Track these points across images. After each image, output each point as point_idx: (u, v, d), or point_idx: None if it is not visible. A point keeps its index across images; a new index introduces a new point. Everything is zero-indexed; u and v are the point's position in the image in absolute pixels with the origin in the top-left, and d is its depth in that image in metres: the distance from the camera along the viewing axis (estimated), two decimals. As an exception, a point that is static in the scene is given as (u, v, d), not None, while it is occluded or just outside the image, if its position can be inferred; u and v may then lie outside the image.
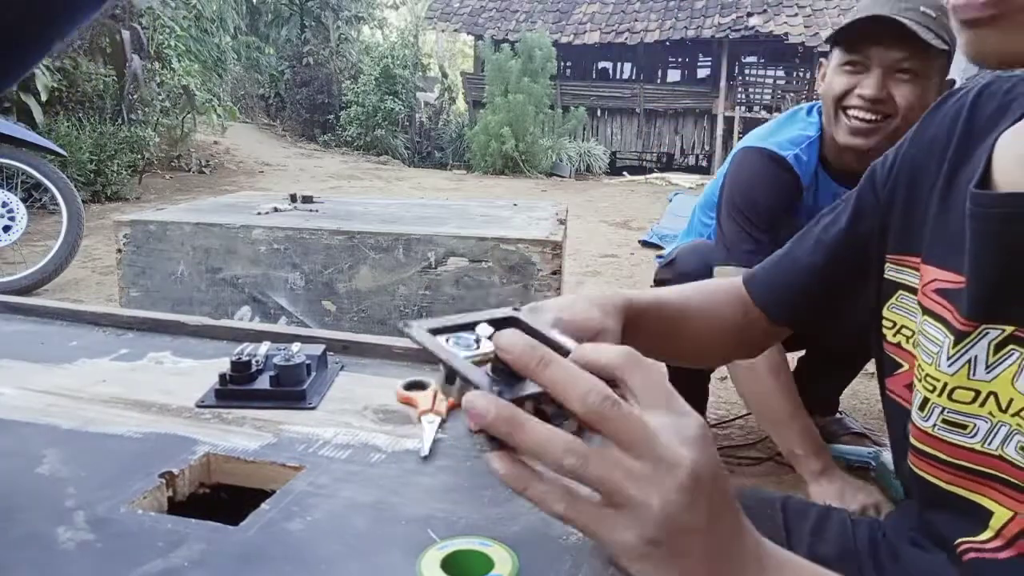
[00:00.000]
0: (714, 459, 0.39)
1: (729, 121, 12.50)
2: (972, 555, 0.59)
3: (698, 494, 0.38)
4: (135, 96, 6.88)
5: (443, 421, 0.68)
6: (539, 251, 1.91)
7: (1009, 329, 0.56)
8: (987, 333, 0.57)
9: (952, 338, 0.59)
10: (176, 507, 0.57)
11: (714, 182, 1.78)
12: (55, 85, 5.77)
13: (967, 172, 0.63)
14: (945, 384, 0.60)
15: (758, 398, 1.54)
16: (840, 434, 1.90)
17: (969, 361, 0.58)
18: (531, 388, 0.41)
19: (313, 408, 0.71)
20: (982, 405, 0.58)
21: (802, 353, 1.95)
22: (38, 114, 5.44)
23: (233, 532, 0.50)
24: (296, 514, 0.52)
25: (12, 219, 3.34)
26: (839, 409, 2.03)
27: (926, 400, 0.62)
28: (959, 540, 0.60)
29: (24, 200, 3.46)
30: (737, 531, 0.41)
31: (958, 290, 0.60)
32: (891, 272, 0.71)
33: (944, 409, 0.61)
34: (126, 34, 6.32)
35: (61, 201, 3.45)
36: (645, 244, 5.20)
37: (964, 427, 0.59)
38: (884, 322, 0.72)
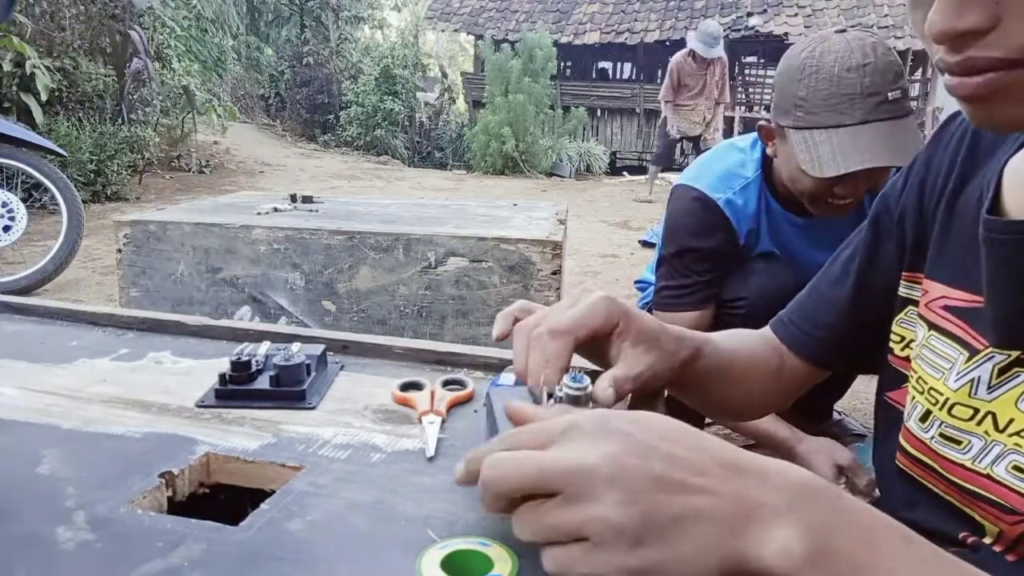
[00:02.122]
0: (603, 426, 0.39)
1: (729, 121, 12.49)
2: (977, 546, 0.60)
3: (621, 470, 0.37)
4: (135, 96, 6.88)
5: (444, 421, 0.68)
6: (539, 251, 1.91)
7: (1015, 353, 0.56)
8: (992, 356, 0.57)
9: (966, 354, 0.60)
10: (176, 507, 0.57)
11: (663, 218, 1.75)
12: (55, 85, 5.77)
13: (970, 192, 0.63)
14: (947, 399, 0.61)
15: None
16: (841, 436, 1.90)
17: (972, 380, 0.59)
18: None
19: (313, 408, 0.71)
20: (979, 424, 0.58)
21: None
22: (38, 114, 5.44)
23: (233, 532, 0.50)
24: (296, 514, 0.52)
25: (12, 219, 3.34)
26: (839, 411, 2.03)
27: (928, 412, 0.63)
28: (962, 534, 0.60)
29: (24, 200, 3.46)
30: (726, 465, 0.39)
31: (972, 310, 0.60)
32: (903, 289, 0.71)
33: (943, 423, 0.61)
34: (133, 35, 6.32)
35: (61, 201, 3.45)
36: (645, 244, 5.20)
37: (959, 443, 0.60)
38: (892, 336, 0.72)
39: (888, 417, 0.72)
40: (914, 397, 0.65)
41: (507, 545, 0.46)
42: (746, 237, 1.54)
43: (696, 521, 0.37)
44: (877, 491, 1.33)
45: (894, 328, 0.71)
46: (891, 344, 0.72)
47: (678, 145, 7.49)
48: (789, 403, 0.86)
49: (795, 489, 0.38)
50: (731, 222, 1.51)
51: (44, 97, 5.48)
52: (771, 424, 1.55)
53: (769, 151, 1.46)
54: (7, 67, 5.35)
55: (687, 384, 0.70)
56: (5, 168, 3.43)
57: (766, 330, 0.83)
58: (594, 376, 0.64)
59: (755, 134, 1.55)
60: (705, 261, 1.52)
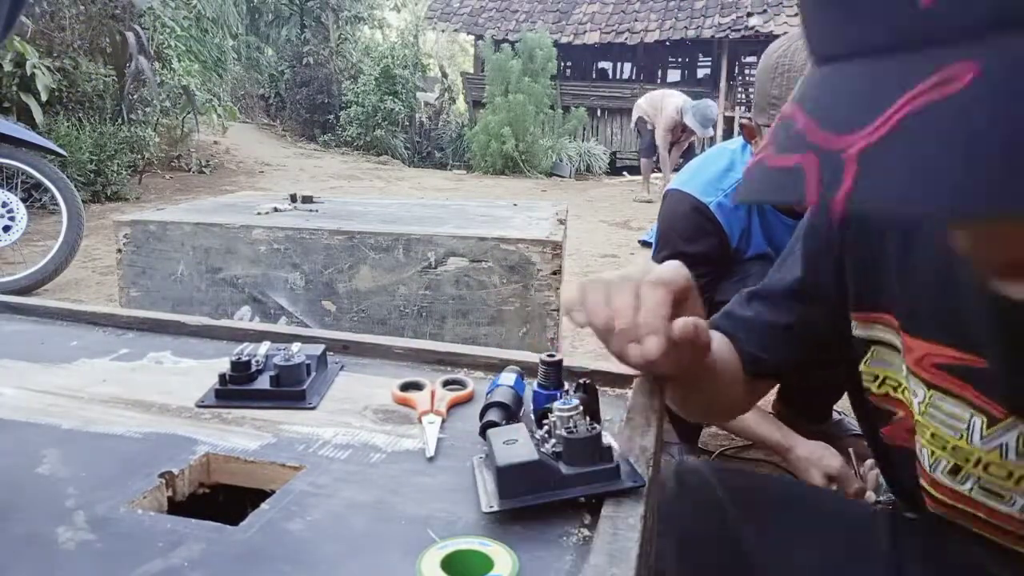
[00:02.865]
0: None
1: (729, 121, 12.49)
2: None
3: None
4: (135, 96, 6.88)
5: (444, 421, 0.68)
6: (539, 251, 1.91)
7: None
8: (1016, 425, 0.57)
9: (985, 419, 0.60)
10: (176, 507, 0.57)
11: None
12: (55, 85, 5.77)
13: (928, 231, 0.61)
14: (980, 458, 0.61)
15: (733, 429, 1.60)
16: (840, 437, 1.90)
17: (1001, 445, 0.59)
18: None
19: (313, 408, 0.71)
20: (1017, 483, 0.59)
21: None
22: (38, 114, 5.44)
23: (233, 532, 0.50)
24: (296, 514, 0.52)
25: (12, 219, 3.34)
26: (839, 410, 2.03)
27: (959, 467, 0.63)
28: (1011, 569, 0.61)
29: (24, 200, 3.46)
30: None
31: (969, 369, 0.60)
32: (858, 330, 0.70)
33: (980, 478, 0.61)
34: (130, 36, 6.32)
35: (61, 201, 3.45)
36: (644, 244, 5.20)
37: (1002, 496, 0.60)
38: (864, 376, 0.71)
39: (894, 460, 0.72)
40: (934, 452, 0.65)
41: (507, 545, 0.46)
42: (738, 239, 1.55)
43: None
44: (872, 495, 1.33)
45: (863, 369, 0.71)
46: (865, 384, 0.71)
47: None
48: (748, 409, 0.89)
49: None
50: (722, 226, 1.51)
51: (44, 97, 5.48)
52: (765, 427, 1.55)
53: (753, 149, 1.47)
54: (7, 67, 5.35)
55: (689, 375, 0.70)
56: (5, 168, 3.43)
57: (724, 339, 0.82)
58: (589, 386, 0.65)
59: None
60: (696, 266, 1.52)
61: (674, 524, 0.71)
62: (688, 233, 1.53)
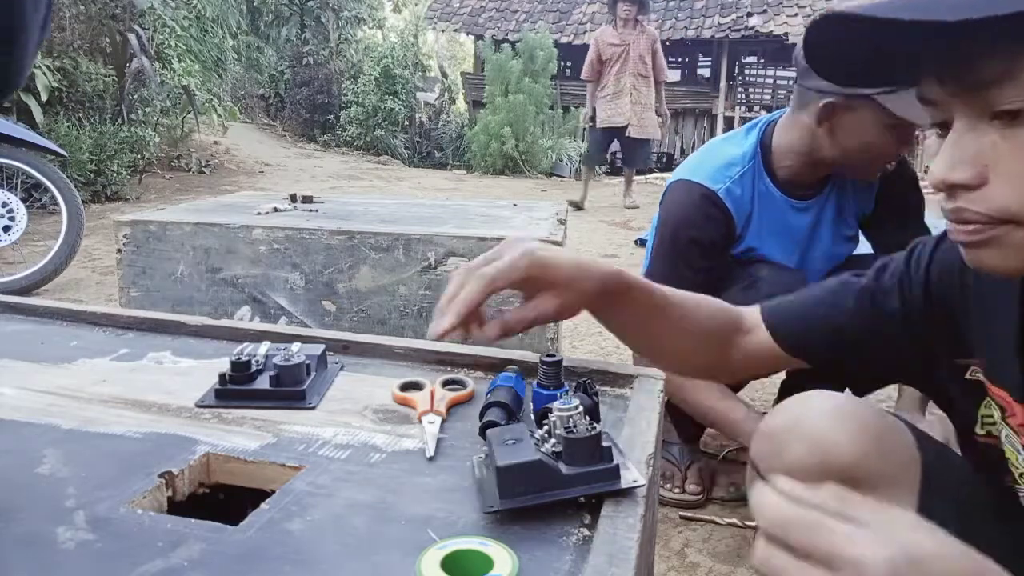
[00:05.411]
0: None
1: (729, 121, 12.49)
2: None
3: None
4: (135, 96, 6.87)
5: (443, 421, 0.68)
6: (539, 251, 1.90)
7: None
8: None
9: None
10: (176, 507, 0.57)
11: (655, 217, 1.74)
12: (55, 85, 5.76)
13: (997, 290, 0.63)
14: None
15: (693, 408, 1.52)
16: None
17: None
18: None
19: (313, 408, 0.71)
20: None
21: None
22: (38, 114, 5.44)
23: (233, 532, 0.50)
24: (296, 514, 0.52)
25: (12, 219, 3.34)
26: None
27: None
28: None
29: (24, 200, 3.46)
30: None
31: None
32: (972, 373, 0.70)
33: None
34: (131, 36, 6.31)
35: (61, 201, 3.45)
36: (642, 243, 5.20)
37: None
38: (985, 418, 0.71)
39: (1005, 504, 0.70)
40: None
41: (507, 545, 0.46)
42: (742, 225, 1.56)
43: None
44: None
45: (983, 412, 0.71)
46: (977, 428, 0.71)
47: (609, 140, 6.62)
48: (738, 379, 0.90)
49: None
50: (731, 213, 1.52)
51: (44, 97, 5.48)
52: (725, 404, 1.48)
53: (822, 129, 1.44)
54: (7, 67, 5.34)
55: (611, 317, 0.79)
56: (5, 168, 3.43)
57: (746, 308, 0.86)
58: (589, 387, 0.65)
59: (746, 125, 1.59)
60: (705, 255, 1.52)
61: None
62: (699, 221, 1.52)
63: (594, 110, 6.33)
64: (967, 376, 0.71)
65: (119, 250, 2.07)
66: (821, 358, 0.82)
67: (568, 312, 0.72)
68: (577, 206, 6.29)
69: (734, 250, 1.57)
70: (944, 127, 0.53)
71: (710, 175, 1.53)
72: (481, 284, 0.69)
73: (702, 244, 1.52)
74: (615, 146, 6.89)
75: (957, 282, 0.69)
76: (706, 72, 14.00)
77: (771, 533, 0.42)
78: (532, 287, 0.71)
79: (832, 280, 0.83)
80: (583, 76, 6.46)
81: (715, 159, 1.56)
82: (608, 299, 0.73)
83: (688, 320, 0.80)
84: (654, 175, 11.49)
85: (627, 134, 6.32)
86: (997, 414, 0.67)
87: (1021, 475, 0.65)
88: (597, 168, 7.67)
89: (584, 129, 7.51)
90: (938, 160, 0.52)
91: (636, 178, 7.69)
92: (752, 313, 0.85)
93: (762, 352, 0.83)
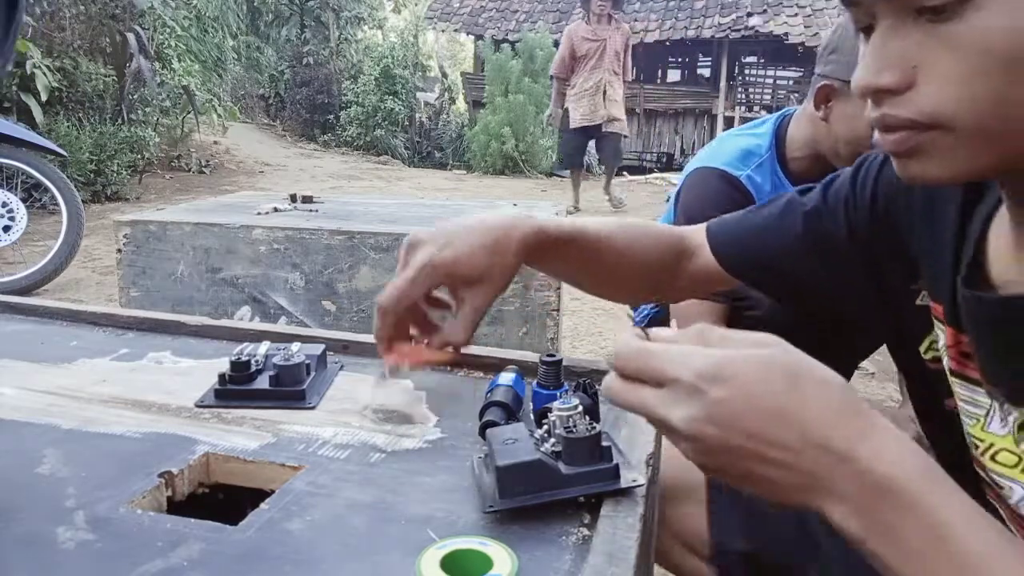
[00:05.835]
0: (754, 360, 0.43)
1: (729, 121, 12.49)
2: None
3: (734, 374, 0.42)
4: (135, 96, 6.87)
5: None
6: (539, 251, 1.90)
7: None
8: (1011, 412, 0.56)
9: (999, 400, 0.58)
10: (175, 507, 0.57)
11: (669, 209, 1.74)
12: (55, 85, 5.76)
13: (941, 204, 0.61)
14: (991, 444, 0.59)
15: None
16: None
17: (1011, 431, 0.57)
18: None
19: (313, 408, 0.71)
20: (1023, 471, 0.57)
21: None
22: (38, 114, 5.44)
23: (232, 532, 0.50)
24: (296, 514, 0.52)
25: (12, 219, 3.34)
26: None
27: (972, 460, 0.61)
28: None
29: (24, 200, 3.46)
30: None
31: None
32: (924, 299, 0.68)
33: (987, 469, 0.60)
34: (131, 36, 6.31)
35: (61, 201, 3.45)
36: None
37: (1001, 487, 0.59)
38: (932, 343, 0.68)
39: (953, 426, 0.68)
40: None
41: (506, 545, 0.46)
42: None
43: (761, 482, 0.43)
44: None
45: (930, 337, 0.68)
46: (923, 354, 0.68)
47: (587, 139, 6.39)
48: (685, 298, 0.95)
49: (869, 485, 0.41)
50: (753, 198, 1.52)
51: (44, 97, 5.48)
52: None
53: (821, 114, 1.45)
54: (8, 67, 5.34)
55: (545, 270, 0.82)
56: (5, 168, 3.43)
57: (669, 226, 0.89)
58: (589, 387, 0.65)
59: (756, 119, 1.59)
60: None
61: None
62: (723, 203, 1.52)
63: (566, 110, 6.14)
64: (917, 302, 0.68)
65: (119, 250, 2.08)
66: (768, 284, 0.82)
67: (500, 291, 0.72)
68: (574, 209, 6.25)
69: None
70: (869, 31, 0.50)
71: (730, 163, 1.53)
72: (384, 320, 0.69)
73: None
74: (590, 145, 6.73)
75: (903, 198, 0.66)
76: (706, 72, 14.01)
77: (616, 365, 0.47)
78: (451, 284, 0.71)
79: (780, 199, 0.82)
80: (553, 72, 6.21)
81: (733, 149, 1.56)
82: (535, 257, 0.73)
83: (626, 256, 0.80)
84: (654, 175, 11.49)
85: (605, 130, 6.16)
86: (942, 338, 0.64)
87: (961, 398, 0.63)
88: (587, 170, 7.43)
89: (551, 128, 7.22)
90: (862, 65, 0.49)
91: (636, 178, 7.52)
92: (696, 233, 0.85)
93: (708, 274, 0.83)
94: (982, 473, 0.61)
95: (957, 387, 0.62)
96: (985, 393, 0.59)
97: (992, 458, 0.59)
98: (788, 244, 0.77)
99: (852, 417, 0.42)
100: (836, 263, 0.74)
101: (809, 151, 1.51)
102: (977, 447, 0.61)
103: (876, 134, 0.51)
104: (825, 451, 0.41)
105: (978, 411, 0.60)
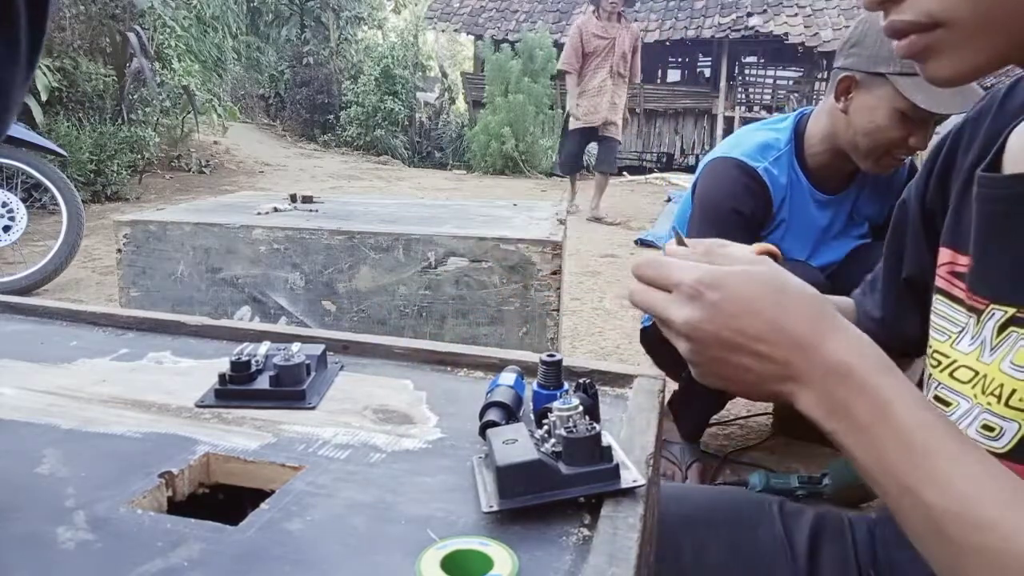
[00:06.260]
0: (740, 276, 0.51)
1: (729, 121, 12.50)
2: None
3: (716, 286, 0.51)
4: (135, 96, 6.87)
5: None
6: (539, 251, 1.90)
7: (1011, 311, 0.57)
8: (993, 314, 0.58)
9: (974, 317, 0.61)
10: (176, 507, 0.57)
11: (686, 199, 1.75)
12: (55, 85, 5.77)
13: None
14: (953, 361, 0.62)
15: None
16: None
17: (982, 343, 0.60)
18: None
19: (313, 408, 0.71)
20: (974, 387, 0.60)
21: None
22: (38, 114, 5.44)
23: (232, 532, 0.50)
24: (296, 514, 0.52)
25: (12, 219, 3.34)
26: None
27: (928, 376, 0.65)
28: None
29: (24, 200, 3.46)
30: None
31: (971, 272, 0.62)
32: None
33: (940, 384, 0.63)
34: (131, 36, 6.31)
35: (61, 201, 3.45)
36: (642, 243, 5.19)
37: (948, 404, 0.62)
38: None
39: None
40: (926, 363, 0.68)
41: (506, 545, 0.46)
42: (777, 207, 1.57)
43: (746, 371, 0.51)
44: None
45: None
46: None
47: (586, 141, 6.25)
48: None
49: (831, 369, 0.49)
50: (769, 190, 1.53)
51: (44, 97, 5.48)
52: None
53: (840, 105, 1.46)
54: (7, 67, 5.33)
55: None
56: (5, 168, 3.43)
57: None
58: (589, 387, 0.65)
59: (777, 115, 1.61)
60: (746, 227, 1.53)
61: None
62: (739, 193, 1.54)
63: (566, 112, 5.96)
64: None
65: (119, 250, 2.07)
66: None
67: None
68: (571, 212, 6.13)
69: (777, 220, 1.58)
70: None
71: (748, 154, 1.54)
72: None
73: (744, 215, 1.53)
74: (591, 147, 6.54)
75: (951, 155, 0.71)
76: (706, 72, 14.01)
77: (635, 272, 0.56)
78: None
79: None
80: (562, 67, 6.00)
81: (752, 142, 1.58)
82: None
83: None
84: (654, 175, 11.49)
85: (603, 134, 6.03)
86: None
87: (937, 313, 0.67)
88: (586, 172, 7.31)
89: (561, 128, 6.94)
90: None
91: (636, 177, 7.46)
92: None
93: None
94: (931, 391, 0.65)
95: (939, 304, 0.66)
96: (964, 311, 0.62)
97: (951, 375, 0.62)
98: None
99: (822, 319, 0.50)
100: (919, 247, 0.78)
101: (828, 145, 1.52)
102: (938, 363, 0.64)
103: (894, 43, 0.54)
104: (798, 344, 0.49)
105: (952, 328, 0.64)
